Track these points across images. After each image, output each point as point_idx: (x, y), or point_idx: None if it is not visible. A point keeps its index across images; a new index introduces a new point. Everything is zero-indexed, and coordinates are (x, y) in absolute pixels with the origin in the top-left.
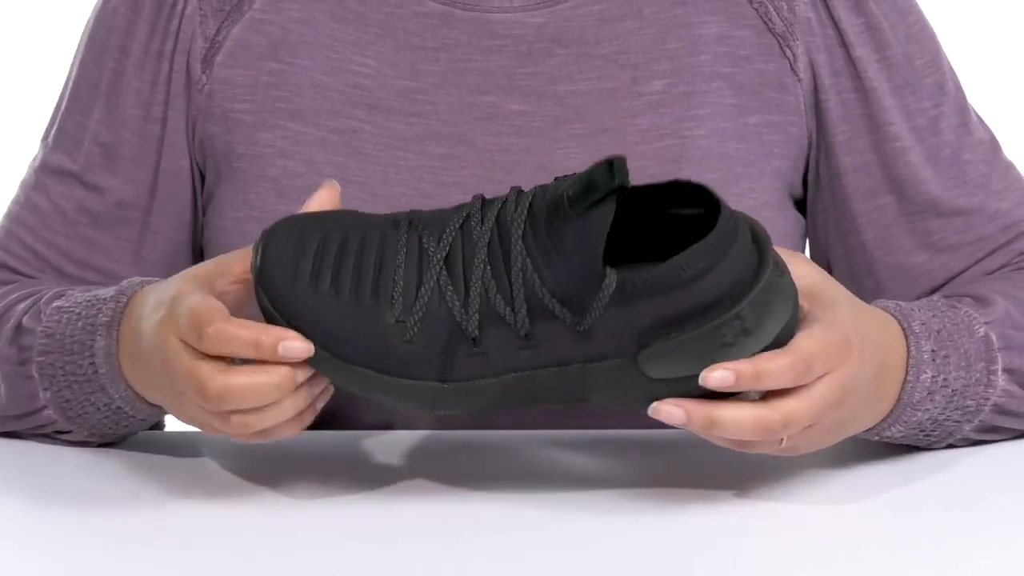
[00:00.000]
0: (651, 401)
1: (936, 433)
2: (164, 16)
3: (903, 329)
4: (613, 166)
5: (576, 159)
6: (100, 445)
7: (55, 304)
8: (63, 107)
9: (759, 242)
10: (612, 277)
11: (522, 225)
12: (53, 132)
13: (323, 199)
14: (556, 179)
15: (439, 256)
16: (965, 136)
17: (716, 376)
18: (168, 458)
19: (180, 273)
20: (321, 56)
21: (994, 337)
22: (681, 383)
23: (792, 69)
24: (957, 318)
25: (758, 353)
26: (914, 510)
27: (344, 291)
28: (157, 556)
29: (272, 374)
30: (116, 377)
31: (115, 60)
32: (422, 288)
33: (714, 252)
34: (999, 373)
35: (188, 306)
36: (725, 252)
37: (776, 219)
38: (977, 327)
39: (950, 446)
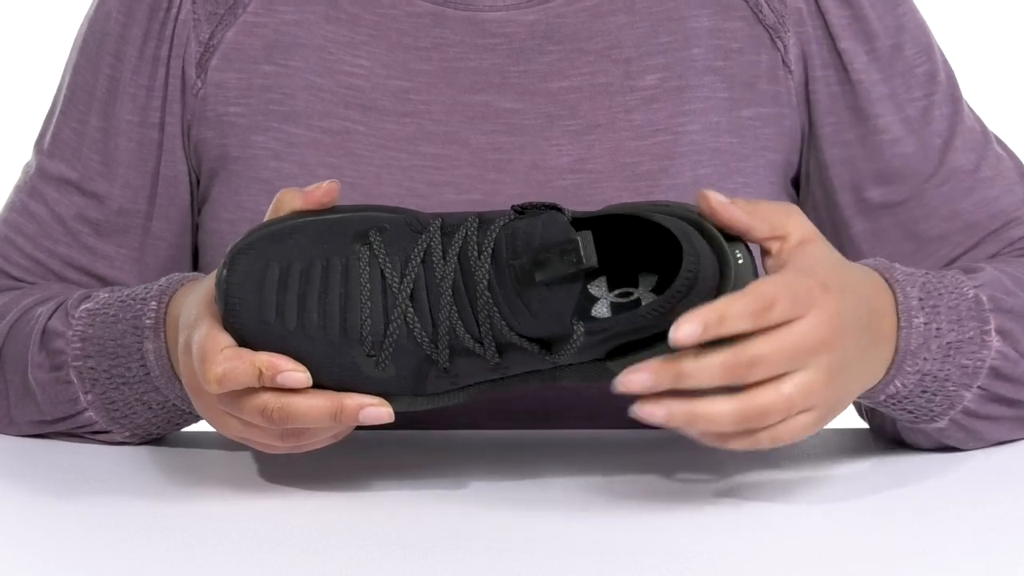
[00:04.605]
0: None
1: (939, 398)
2: (158, 21)
3: (886, 279)
4: (580, 247)
5: (569, 156)
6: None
7: (84, 307)
8: (57, 113)
9: (719, 251)
10: (580, 331)
11: (486, 275)
12: (48, 139)
13: (322, 192)
14: (514, 208)
15: (404, 294)
16: (957, 124)
17: (684, 332)
18: (172, 457)
19: (205, 285)
20: (315, 58)
21: (984, 298)
22: None
23: (783, 61)
24: (944, 278)
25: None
26: (913, 511)
27: (311, 327)
28: (158, 556)
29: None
30: (170, 377)
31: (110, 66)
32: (391, 327)
33: (680, 291)
34: (992, 333)
35: (197, 342)
36: (689, 288)
37: None
38: (966, 289)
39: (959, 432)
